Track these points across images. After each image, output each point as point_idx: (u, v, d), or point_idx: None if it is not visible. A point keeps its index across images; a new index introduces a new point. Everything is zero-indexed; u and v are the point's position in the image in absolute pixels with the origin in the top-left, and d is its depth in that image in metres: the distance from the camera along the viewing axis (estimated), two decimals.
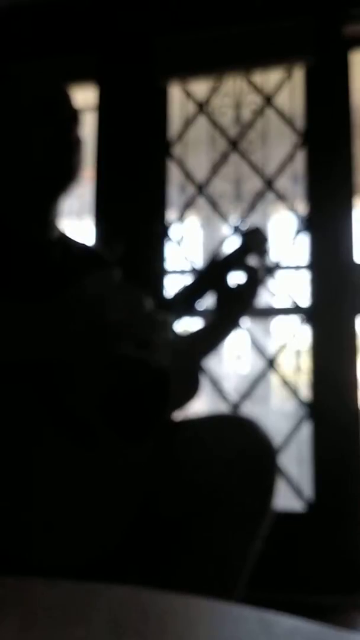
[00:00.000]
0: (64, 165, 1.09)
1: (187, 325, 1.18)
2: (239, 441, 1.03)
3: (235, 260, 1.14)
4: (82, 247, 1.23)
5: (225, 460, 1.00)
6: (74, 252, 1.19)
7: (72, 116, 1.11)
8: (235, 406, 2.28)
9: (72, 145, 1.10)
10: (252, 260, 1.15)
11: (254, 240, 1.15)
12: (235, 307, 1.16)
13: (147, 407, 1.03)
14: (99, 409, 0.99)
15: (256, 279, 1.13)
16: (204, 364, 1.22)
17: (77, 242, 1.22)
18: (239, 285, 1.14)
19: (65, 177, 1.10)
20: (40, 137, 1.08)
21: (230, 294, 1.14)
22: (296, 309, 2.27)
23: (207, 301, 1.15)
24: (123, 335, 0.93)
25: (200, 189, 2.42)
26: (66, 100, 1.12)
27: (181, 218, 2.44)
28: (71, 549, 0.92)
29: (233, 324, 1.18)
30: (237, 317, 1.17)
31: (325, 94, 2.29)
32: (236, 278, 1.13)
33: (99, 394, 0.99)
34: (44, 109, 1.09)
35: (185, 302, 1.11)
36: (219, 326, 1.18)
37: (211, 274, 1.15)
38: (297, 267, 2.29)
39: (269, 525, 1.03)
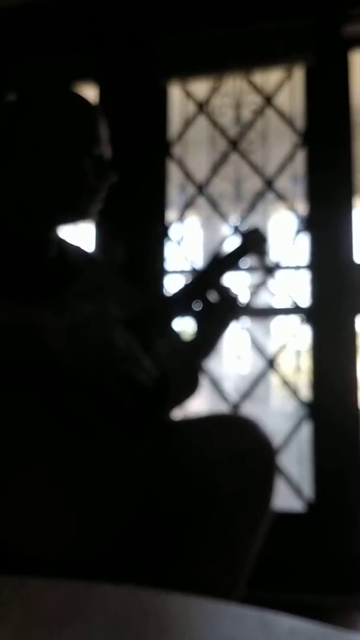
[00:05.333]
0: (89, 204, 1.11)
1: (186, 325, 1.18)
2: (238, 441, 1.03)
3: (234, 261, 1.14)
4: (77, 250, 1.24)
5: (225, 459, 1.01)
6: (69, 253, 1.19)
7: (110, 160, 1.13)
8: (235, 406, 2.28)
9: (103, 189, 1.12)
10: (251, 261, 1.15)
11: (253, 241, 1.15)
12: (212, 325, 1.14)
13: (146, 404, 1.03)
14: (97, 406, 0.99)
15: (231, 299, 1.11)
16: (203, 363, 1.22)
17: (72, 245, 1.23)
18: (214, 304, 1.11)
19: (85, 215, 1.12)
20: (85, 176, 1.10)
21: (206, 312, 1.12)
22: (296, 309, 2.27)
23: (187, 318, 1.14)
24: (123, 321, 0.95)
25: (200, 189, 2.42)
26: (103, 134, 1.15)
27: (181, 218, 2.43)
28: (69, 543, 0.93)
29: (213, 340, 1.16)
30: (216, 335, 1.15)
31: (325, 94, 2.29)
32: (213, 297, 1.11)
33: (98, 391, 0.99)
34: (85, 148, 1.10)
35: (184, 301, 1.11)
36: (201, 343, 1.16)
37: (210, 274, 1.14)
38: (297, 267, 2.29)
39: (268, 524, 1.03)
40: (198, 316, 1.13)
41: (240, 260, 1.14)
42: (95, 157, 1.13)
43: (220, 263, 1.14)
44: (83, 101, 1.14)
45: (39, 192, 1.11)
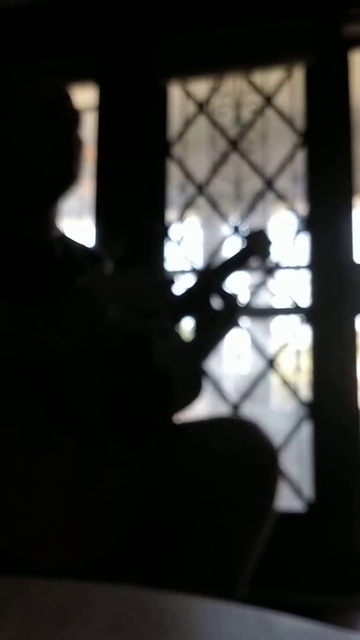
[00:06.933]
0: (65, 168, 1.10)
1: (187, 326, 1.18)
2: (240, 444, 1.02)
3: (238, 263, 1.14)
4: (82, 248, 1.24)
5: (227, 463, 1.00)
6: (74, 252, 1.19)
7: (73, 118, 1.12)
8: (235, 406, 2.28)
9: (74, 147, 1.10)
10: (255, 262, 1.15)
11: (258, 243, 1.15)
12: (214, 327, 1.13)
13: (149, 408, 1.03)
14: (100, 410, 0.99)
15: (233, 302, 1.11)
16: (204, 365, 1.22)
17: (77, 242, 1.23)
18: (217, 310, 1.10)
19: (66, 179, 1.11)
20: (42, 140, 1.08)
21: (207, 317, 1.12)
22: (296, 309, 2.27)
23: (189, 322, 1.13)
24: (125, 321, 0.94)
25: (200, 189, 2.42)
26: (68, 102, 1.13)
27: (181, 218, 2.43)
28: (72, 551, 0.92)
29: (214, 342, 1.16)
30: (217, 337, 1.15)
31: (325, 94, 2.29)
32: (216, 303, 1.11)
33: (101, 394, 0.99)
34: (45, 111, 1.09)
35: (187, 303, 1.11)
36: (202, 345, 1.16)
37: (214, 276, 1.14)
38: (297, 267, 2.29)
39: (270, 527, 1.03)
40: (200, 318, 1.12)
41: (245, 263, 1.14)
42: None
43: (224, 265, 1.14)
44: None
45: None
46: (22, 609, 0.58)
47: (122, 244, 2.23)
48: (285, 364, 2.31)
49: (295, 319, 2.28)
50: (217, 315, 1.11)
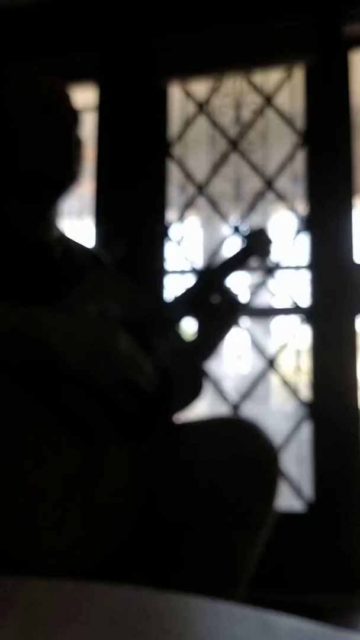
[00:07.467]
0: (65, 168, 1.10)
1: (188, 325, 1.18)
2: (240, 444, 1.02)
3: (239, 262, 1.14)
4: (82, 248, 1.24)
5: (226, 463, 1.00)
6: (73, 252, 1.19)
7: (72, 116, 1.12)
8: (236, 406, 2.28)
9: (72, 145, 1.10)
10: (255, 262, 1.15)
11: (258, 242, 1.14)
12: (214, 326, 1.13)
13: (149, 408, 1.03)
14: (100, 410, 0.99)
15: (233, 301, 1.11)
16: (205, 365, 1.22)
17: (77, 243, 1.23)
18: (217, 310, 1.11)
19: (66, 177, 1.11)
20: (42, 139, 1.08)
21: (207, 317, 1.12)
22: (296, 309, 2.27)
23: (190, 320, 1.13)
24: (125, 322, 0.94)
25: (200, 189, 2.42)
26: (66, 100, 1.13)
27: (181, 218, 2.43)
28: (72, 551, 0.92)
29: (215, 341, 1.16)
30: (218, 336, 1.15)
31: (325, 94, 2.29)
32: (216, 302, 1.10)
33: (101, 394, 0.99)
34: (43, 109, 1.09)
35: (188, 303, 1.11)
36: (203, 344, 1.16)
37: (214, 276, 1.14)
38: (297, 267, 2.29)
39: (270, 528, 1.03)
40: (201, 317, 1.12)
41: (245, 262, 1.13)
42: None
43: (224, 265, 1.14)
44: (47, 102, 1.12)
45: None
46: (22, 609, 0.58)
47: (122, 244, 2.23)
48: (285, 364, 2.31)
49: (295, 319, 2.28)
50: (217, 315, 1.11)
